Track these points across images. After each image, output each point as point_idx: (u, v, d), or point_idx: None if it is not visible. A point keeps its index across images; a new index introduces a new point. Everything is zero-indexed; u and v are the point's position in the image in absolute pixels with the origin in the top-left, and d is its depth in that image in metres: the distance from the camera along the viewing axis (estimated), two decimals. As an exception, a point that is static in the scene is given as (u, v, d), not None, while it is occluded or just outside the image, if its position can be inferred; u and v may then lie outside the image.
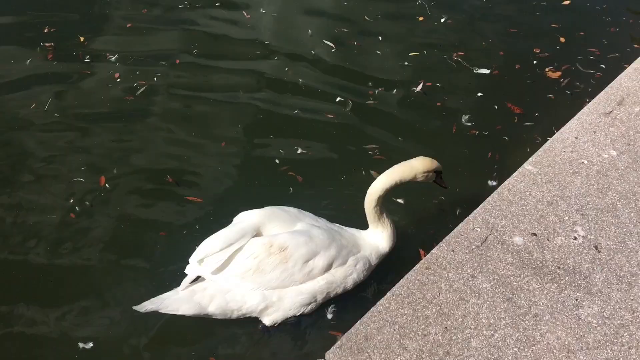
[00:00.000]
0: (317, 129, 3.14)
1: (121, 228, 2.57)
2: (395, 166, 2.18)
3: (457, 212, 2.55)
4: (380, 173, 2.89)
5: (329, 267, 2.09)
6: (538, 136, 3.05)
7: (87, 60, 3.51)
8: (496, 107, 3.29)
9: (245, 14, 3.89)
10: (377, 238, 2.23)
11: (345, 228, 2.30)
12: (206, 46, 3.66)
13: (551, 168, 2.07)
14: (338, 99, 3.32)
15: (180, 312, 2.00)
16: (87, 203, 2.66)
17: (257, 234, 2.14)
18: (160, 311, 2.00)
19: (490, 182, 2.72)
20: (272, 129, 3.14)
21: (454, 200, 2.65)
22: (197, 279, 2.08)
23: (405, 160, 2.18)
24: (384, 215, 2.19)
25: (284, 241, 2.05)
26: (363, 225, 2.29)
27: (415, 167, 2.13)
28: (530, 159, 2.13)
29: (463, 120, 3.20)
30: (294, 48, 3.65)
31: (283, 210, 2.25)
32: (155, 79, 3.40)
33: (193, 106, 3.27)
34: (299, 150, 3.00)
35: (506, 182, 2.05)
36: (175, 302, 2.00)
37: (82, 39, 3.66)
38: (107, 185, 2.76)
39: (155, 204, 2.70)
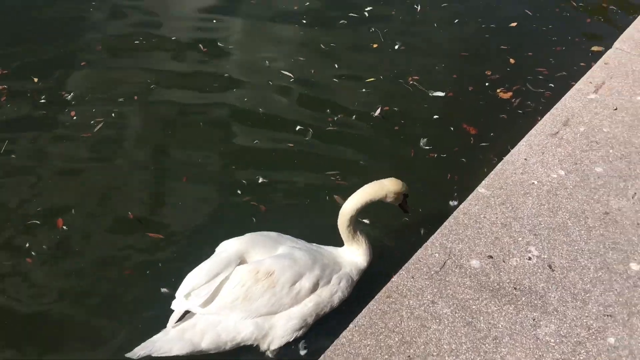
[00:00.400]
0: (278, 158, 3.16)
1: (85, 271, 2.53)
2: (367, 185, 2.24)
3: (422, 232, 2.60)
4: (343, 198, 2.93)
5: (315, 288, 2.12)
6: (494, 156, 3.12)
7: (42, 101, 3.46)
8: (452, 129, 3.37)
9: (202, 47, 3.91)
10: (354, 255, 2.29)
11: (323, 247, 2.34)
12: (164, 81, 3.65)
13: (503, 190, 2.13)
14: (298, 127, 3.35)
15: (173, 353, 1.98)
16: (44, 247, 2.60)
17: (242, 261, 2.15)
18: (153, 355, 1.97)
19: (451, 203, 2.78)
20: (233, 159, 3.14)
21: (418, 221, 2.71)
22: (185, 313, 2.06)
23: (365, 183, 2.24)
24: (358, 232, 2.26)
25: (270, 266, 2.07)
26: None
27: (386, 186, 2.22)
28: (483, 182, 2.19)
29: (421, 143, 3.26)
30: (253, 79, 3.68)
31: (263, 236, 2.27)
32: (113, 114, 3.37)
33: (151, 141, 3.25)
34: (261, 180, 3.01)
35: (461, 206, 2.10)
36: (167, 343, 1.98)
37: (35, 79, 3.62)
38: (64, 227, 2.71)
39: (117, 242, 2.65)
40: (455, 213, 2.09)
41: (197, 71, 3.74)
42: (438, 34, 4.04)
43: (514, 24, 4.10)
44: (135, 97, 3.51)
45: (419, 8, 4.21)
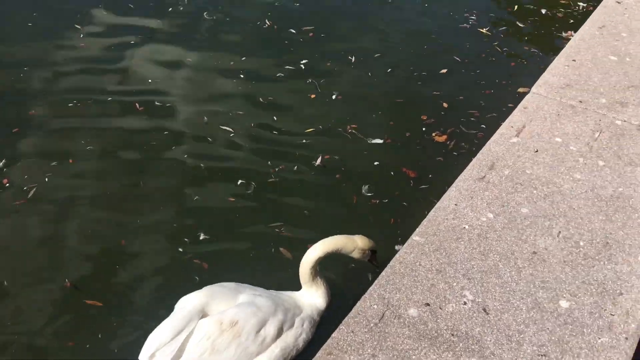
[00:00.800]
0: (219, 213, 3.14)
1: (20, 347, 2.41)
2: (337, 237, 2.32)
3: (370, 278, 2.63)
4: (289, 250, 2.96)
5: (280, 333, 2.13)
6: (434, 198, 3.20)
7: (-29, 171, 3.35)
8: (392, 173, 3.45)
9: (138, 106, 3.90)
10: (313, 297, 2.34)
11: (282, 292, 2.36)
12: (100, 142, 3.60)
13: (436, 236, 2.18)
14: (240, 181, 3.35)
15: None
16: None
17: (203, 315, 2.12)
18: None
19: (397, 247, 2.82)
20: (174, 217, 3.10)
21: (365, 267, 2.72)
22: None
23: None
24: (318, 276, 2.33)
25: (234, 315, 2.06)
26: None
27: (355, 242, 2.32)
28: (417, 229, 2.24)
29: (363, 190, 3.32)
30: (192, 135, 3.67)
31: (222, 286, 2.27)
32: (46, 179, 3.29)
33: (88, 204, 3.18)
34: (202, 236, 2.98)
35: (397, 255, 2.13)
36: None
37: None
38: (-4, 301, 2.59)
39: (53, 311, 2.56)
40: (391, 262, 2.12)
41: (135, 129, 3.71)
42: (373, 83, 4.17)
43: (444, 71, 4.28)
44: (71, 160, 3.44)
45: (353, 59, 4.35)
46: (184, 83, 4.12)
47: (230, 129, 3.72)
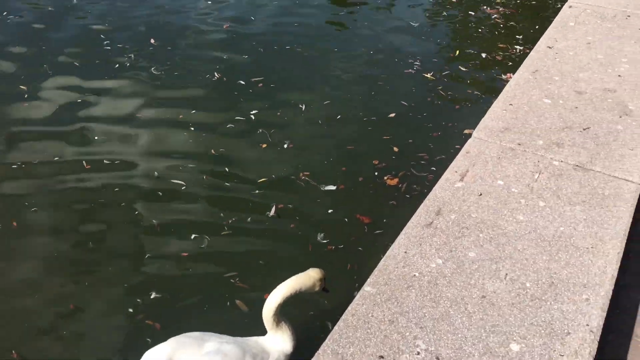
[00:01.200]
0: (172, 269, 3.08)
1: None
2: (294, 277, 2.33)
3: (330, 327, 2.60)
4: (245, 302, 2.92)
5: None
6: (389, 242, 3.23)
7: None
8: (346, 220, 3.48)
9: (85, 164, 3.83)
10: (279, 341, 2.35)
11: (248, 338, 2.36)
12: (45, 204, 3.51)
13: (388, 286, 2.19)
14: (193, 236, 3.31)
15: None
16: None
17: None
18: None
19: (355, 294, 2.81)
20: (125, 277, 3.03)
21: (324, 315, 2.74)
22: None
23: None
24: (282, 321, 2.35)
25: None
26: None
27: (313, 276, 2.35)
28: (369, 280, 2.24)
29: (318, 238, 3.33)
30: (142, 192, 3.63)
31: (187, 337, 2.25)
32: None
33: (33, 267, 3.07)
34: (153, 295, 2.91)
35: (349, 308, 2.12)
36: None
37: None
38: None
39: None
40: (344, 316, 2.11)
41: (84, 188, 3.64)
42: (324, 130, 4.23)
43: (392, 115, 4.39)
44: (14, 224, 3.33)
45: (303, 107, 4.42)
46: (132, 139, 4.09)
47: (182, 183, 3.69)
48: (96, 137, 4.07)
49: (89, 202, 3.53)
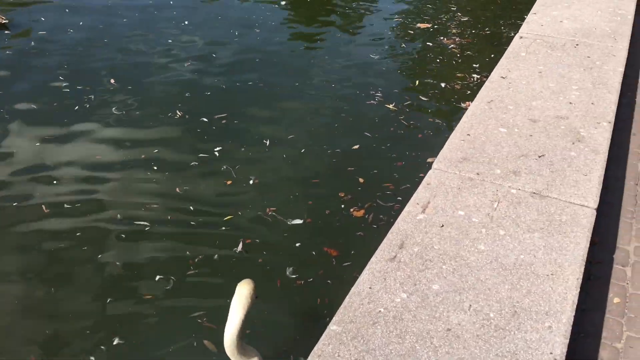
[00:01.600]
0: (136, 313, 3.02)
1: None
2: (233, 306, 2.29)
3: None
4: (212, 342, 2.88)
5: None
6: (357, 274, 3.23)
7: None
8: (314, 253, 3.47)
9: (45, 208, 3.75)
10: None
11: None
12: (4, 250, 3.42)
13: (354, 323, 2.18)
14: (158, 277, 3.26)
15: None
16: None
17: None
18: None
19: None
20: (87, 324, 2.94)
21: (296, 351, 2.71)
22: None
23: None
24: (247, 350, 2.35)
25: None
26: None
27: (245, 294, 2.32)
28: (334, 318, 2.23)
29: (287, 273, 3.31)
30: (105, 233, 3.56)
31: None
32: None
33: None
34: (116, 341, 2.85)
35: (315, 349, 2.11)
36: None
37: None
38: None
39: None
40: (310, 357, 2.09)
41: (44, 233, 3.56)
42: (289, 164, 4.25)
43: (356, 147, 4.44)
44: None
45: (267, 142, 4.44)
46: (94, 181, 4.02)
47: (146, 223, 3.64)
48: (55, 182, 4.00)
49: (49, 247, 3.44)
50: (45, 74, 5.28)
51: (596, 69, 3.79)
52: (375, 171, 4.21)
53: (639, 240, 3.06)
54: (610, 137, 3.16)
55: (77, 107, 4.80)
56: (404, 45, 6.03)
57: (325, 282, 3.28)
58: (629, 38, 4.27)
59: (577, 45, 4.12)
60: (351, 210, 3.84)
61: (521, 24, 4.65)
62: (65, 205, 3.77)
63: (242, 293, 2.33)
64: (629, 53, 4.17)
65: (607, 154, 3.03)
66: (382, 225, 3.69)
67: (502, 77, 3.67)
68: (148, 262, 3.38)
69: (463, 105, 4.94)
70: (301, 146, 4.42)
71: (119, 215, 3.71)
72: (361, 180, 4.12)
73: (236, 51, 5.83)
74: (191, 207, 3.80)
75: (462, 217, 2.62)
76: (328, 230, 3.67)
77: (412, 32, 6.32)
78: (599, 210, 2.75)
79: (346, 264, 3.40)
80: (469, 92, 5.13)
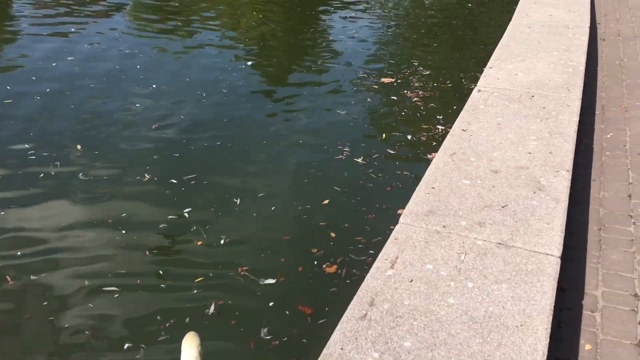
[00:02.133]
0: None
1: None
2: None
3: None
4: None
5: None
6: (332, 331, 3.20)
7: None
8: (288, 312, 3.44)
9: (9, 279, 3.66)
10: None
11: None
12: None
13: (326, 387, 2.15)
14: (126, 345, 3.18)
15: None
16: None
17: None
18: None
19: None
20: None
21: None
22: None
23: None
24: None
25: None
26: None
27: (195, 344, 2.30)
28: (308, 382, 2.20)
29: (262, 334, 3.27)
30: (74, 299, 3.49)
31: None
32: None
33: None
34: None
35: (288, 415, 2.06)
36: None
37: None
38: None
39: None
40: None
41: (4, 302, 3.46)
42: (259, 222, 4.25)
43: (326, 201, 4.48)
44: None
45: (238, 201, 4.45)
46: (60, 248, 3.96)
47: (115, 289, 3.58)
48: (19, 253, 3.91)
49: (9, 318, 3.34)
50: (10, 141, 5.23)
51: (552, 119, 3.95)
52: (346, 225, 4.24)
53: (606, 285, 3.12)
54: (569, 185, 3.26)
55: (42, 174, 4.75)
56: (369, 99, 6.20)
57: (301, 341, 3.24)
58: (582, 88, 4.48)
59: (532, 96, 4.30)
60: (324, 266, 3.84)
61: (480, 76, 4.85)
62: (31, 277, 3.68)
63: (192, 353, 2.28)
64: (582, 102, 4.36)
65: (567, 201, 3.12)
66: (355, 280, 3.69)
67: (463, 129, 3.79)
68: (117, 330, 3.30)
69: (429, 156, 5.06)
70: (271, 203, 4.44)
71: (86, 282, 3.63)
72: (333, 235, 4.14)
73: (203, 111, 5.89)
74: (160, 271, 3.75)
75: (431, 270, 2.65)
76: (301, 288, 3.66)
77: (376, 86, 6.51)
78: (566, 255, 2.82)
79: (321, 321, 3.38)
80: (434, 143, 5.27)
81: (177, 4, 9.42)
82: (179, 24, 8.50)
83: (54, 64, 6.90)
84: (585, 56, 5.14)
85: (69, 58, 7.09)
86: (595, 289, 3.11)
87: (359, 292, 2.54)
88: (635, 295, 3.04)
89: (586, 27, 5.89)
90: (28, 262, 3.81)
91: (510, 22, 6.02)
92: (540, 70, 4.75)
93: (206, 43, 7.78)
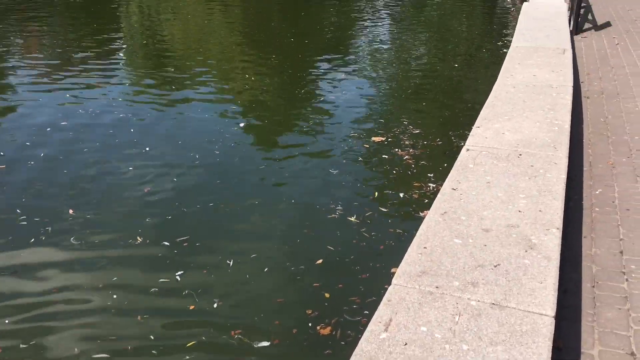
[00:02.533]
0: None
1: None
2: None
3: None
4: None
5: None
6: (327, 396, 3.14)
7: None
8: (282, 377, 3.37)
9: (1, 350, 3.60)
10: None
11: None
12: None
13: None
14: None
15: None
16: None
17: None
18: None
19: None
20: None
21: None
22: None
23: None
24: None
25: None
26: None
27: None
28: None
29: (254, 400, 3.19)
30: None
31: None
32: None
33: None
34: None
35: None
36: None
37: None
38: None
39: None
40: None
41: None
42: (253, 284, 4.23)
43: (320, 261, 4.47)
44: None
45: (231, 263, 4.43)
46: (50, 315, 3.90)
47: (105, 355, 3.51)
48: (7, 321, 3.85)
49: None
50: (2, 208, 5.23)
51: (540, 177, 4.02)
52: (340, 285, 4.22)
53: (602, 344, 3.09)
54: (560, 242, 3.28)
55: (32, 240, 4.73)
56: (361, 158, 6.30)
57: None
58: (568, 146, 4.57)
59: (520, 155, 4.38)
60: (318, 327, 3.80)
61: (468, 134, 4.96)
62: (22, 346, 3.60)
63: None
64: (569, 159, 4.45)
65: (559, 260, 3.13)
66: (350, 341, 3.65)
67: (453, 188, 3.84)
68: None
69: (421, 214, 5.10)
70: (264, 265, 4.43)
71: (76, 349, 3.56)
72: (327, 295, 4.11)
73: (196, 173, 5.94)
74: (151, 337, 3.69)
75: (425, 333, 2.62)
76: (296, 351, 3.60)
77: (367, 145, 6.63)
78: (561, 314, 2.79)
79: (316, 386, 3.31)
80: (426, 200, 5.32)
81: (172, 69, 9.68)
82: (173, 87, 8.71)
83: (48, 129, 7.01)
84: (570, 114, 5.27)
85: (63, 123, 7.21)
86: (591, 347, 3.07)
87: (352, 357, 2.51)
88: (632, 353, 3.01)
89: (569, 86, 6.07)
90: (18, 329, 3.74)
91: (496, 82, 6.19)
92: (527, 129, 4.87)
93: (199, 106, 7.95)
